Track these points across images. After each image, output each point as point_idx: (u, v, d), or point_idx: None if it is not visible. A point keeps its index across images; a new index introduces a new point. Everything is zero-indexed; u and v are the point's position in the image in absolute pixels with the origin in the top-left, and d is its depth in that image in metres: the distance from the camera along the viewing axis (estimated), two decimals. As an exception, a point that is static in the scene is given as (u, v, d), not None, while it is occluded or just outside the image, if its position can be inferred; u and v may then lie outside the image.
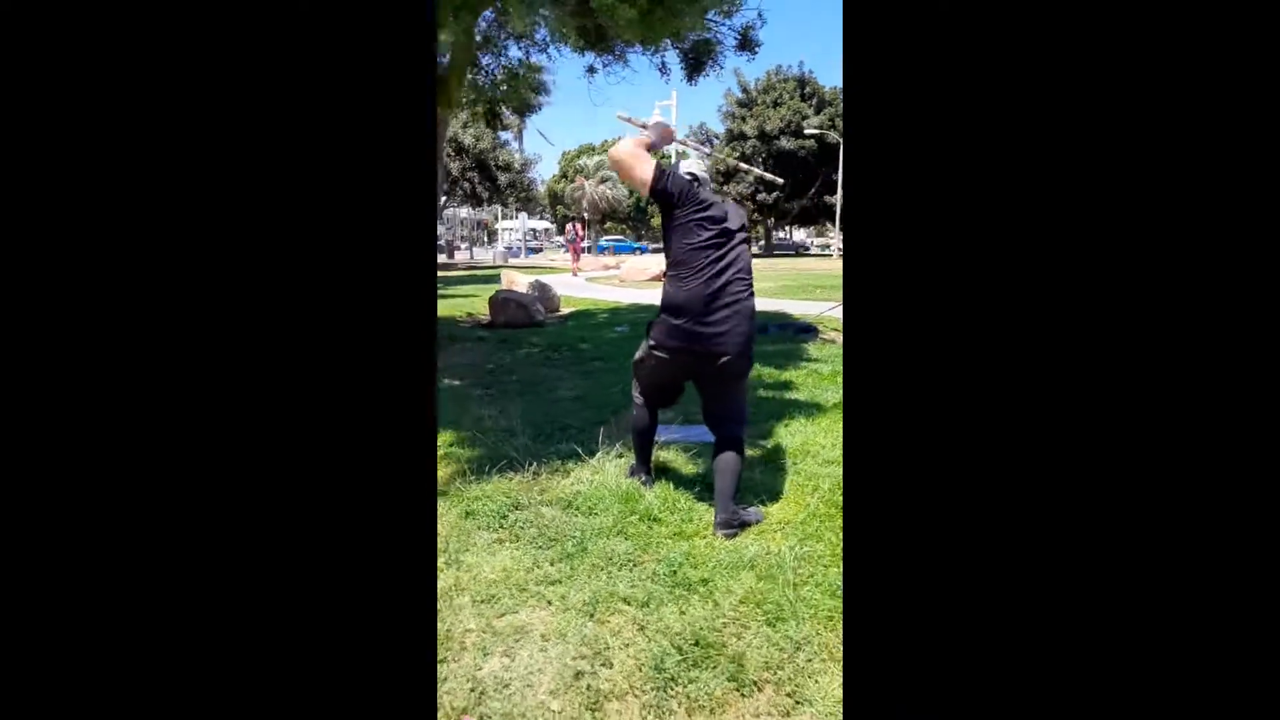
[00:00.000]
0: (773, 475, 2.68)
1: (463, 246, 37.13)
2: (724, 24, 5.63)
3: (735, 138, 28.80)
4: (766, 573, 1.92)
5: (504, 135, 22.68)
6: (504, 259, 29.45)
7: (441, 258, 29.27)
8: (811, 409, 3.65)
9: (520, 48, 6.73)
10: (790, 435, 3.20)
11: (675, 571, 1.94)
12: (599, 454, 2.83)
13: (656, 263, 16.17)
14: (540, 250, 37.57)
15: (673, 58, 5.90)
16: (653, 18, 3.99)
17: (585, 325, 7.45)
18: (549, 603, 1.83)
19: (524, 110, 5.55)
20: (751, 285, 2.25)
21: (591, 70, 6.79)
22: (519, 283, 9.01)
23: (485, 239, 40.87)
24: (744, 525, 2.20)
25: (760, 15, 6.15)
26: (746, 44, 5.74)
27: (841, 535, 2.14)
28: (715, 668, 1.55)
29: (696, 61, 5.73)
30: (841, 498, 2.42)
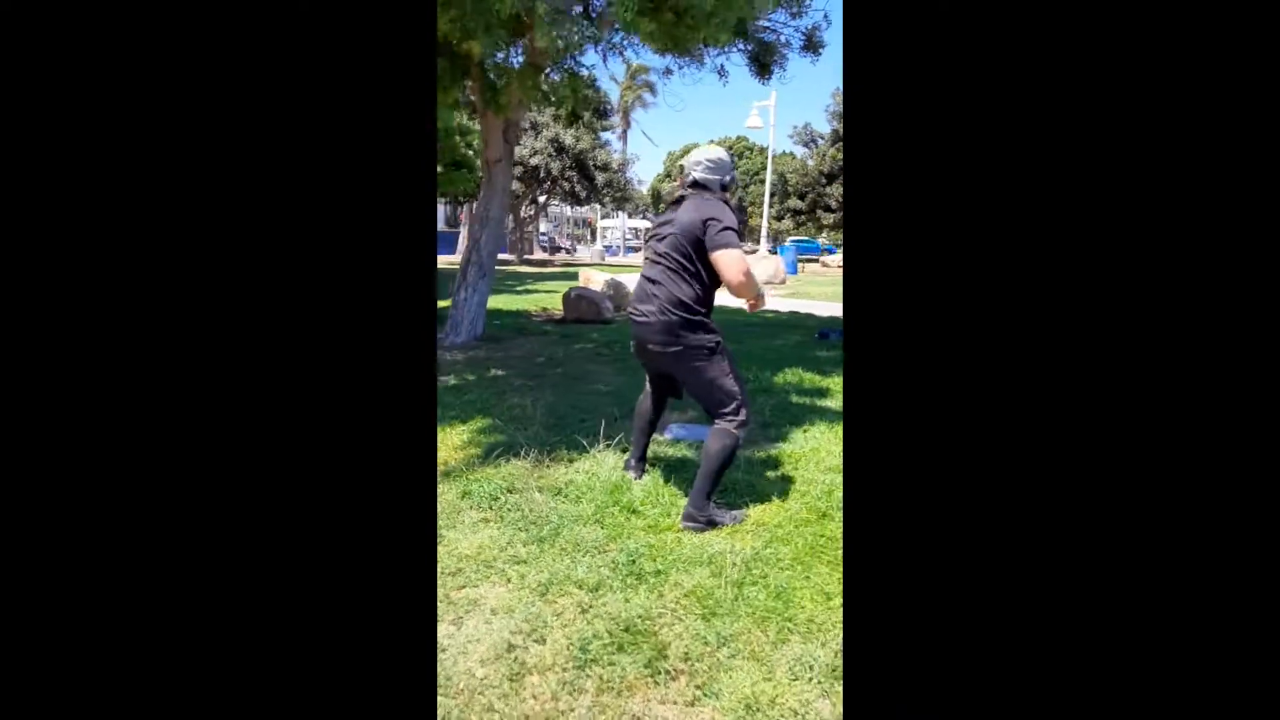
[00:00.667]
0: (769, 478, 2.68)
1: (568, 244, 38.15)
2: (790, 25, 5.58)
3: (841, 139, 28.05)
4: (719, 570, 1.95)
5: (605, 135, 23.19)
6: (601, 257, 30.09)
7: (542, 255, 30.20)
8: (835, 416, 3.58)
9: (597, 51, 6.91)
10: (804, 440, 3.16)
11: (634, 561, 2.00)
12: (600, 446, 2.91)
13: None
14: (639, 250, 38.04)
15: (741, 59, 5.89)
16: (677, 31, 4.01)
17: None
18: (508, 580, 1.93)
19: (578, 114, 5.69)
20: (677, 274, 2.20)
21: (668, 72, 6.87)
22: (595, 280, 9.23)
23: (589, 237, 41.79)
24: (711, 523, 2.22)
25: (826, 17, 6.02)
26: (811, 45, 5.65)
27: (813, 540, 2.13)
28: (637, 653, 1.60)
29: (762, 63, 5.70)
30: (829, 503, 2.39)
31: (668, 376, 2.45)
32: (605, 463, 2.73)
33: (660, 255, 2.24)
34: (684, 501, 2.39)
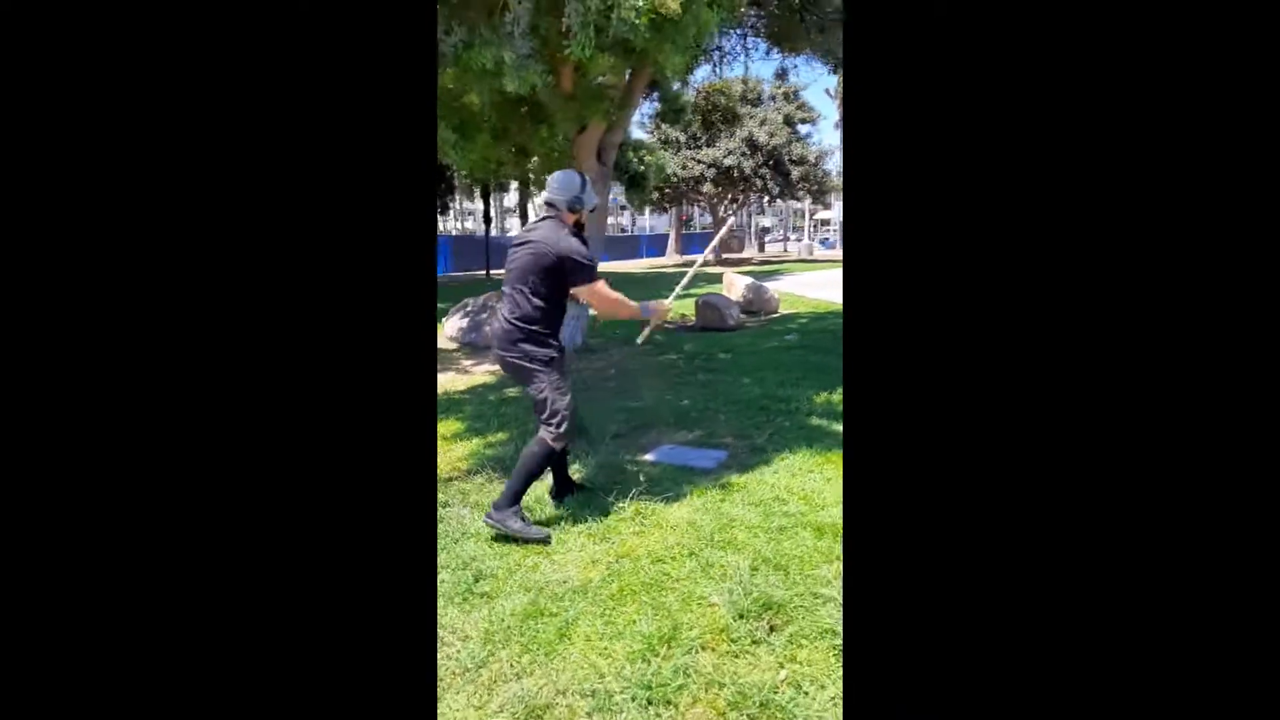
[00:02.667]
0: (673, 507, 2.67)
1: (793, 237, 37.62)
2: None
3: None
4: (508, 591, 2.07)
5: (805, 128, 22.55)
6: (808, 252, 29.26)
7: (750, 251, 30.16)
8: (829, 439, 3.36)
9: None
10: (757, 478, 3.05)
11: (466, 566, 2.21)
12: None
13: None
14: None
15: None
16: (631, 61, 3.95)
17: (762, 332, 7.40)
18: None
19: (672, 120, 5.80)
20: (522, 292, 2.39)
21: (783, 73, 6.69)
22: (737, 285, 9.20)
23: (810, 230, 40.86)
24: (506, 532, 2.38)
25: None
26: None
27: (652, 576, 2.15)
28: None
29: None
30: (702, 540, 2.36)
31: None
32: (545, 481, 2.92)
33: (511, 272, 2.47)
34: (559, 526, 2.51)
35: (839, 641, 1.75)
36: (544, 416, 2.46)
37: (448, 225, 30.09)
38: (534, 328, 2.41)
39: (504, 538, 2.41)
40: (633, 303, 2.53)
